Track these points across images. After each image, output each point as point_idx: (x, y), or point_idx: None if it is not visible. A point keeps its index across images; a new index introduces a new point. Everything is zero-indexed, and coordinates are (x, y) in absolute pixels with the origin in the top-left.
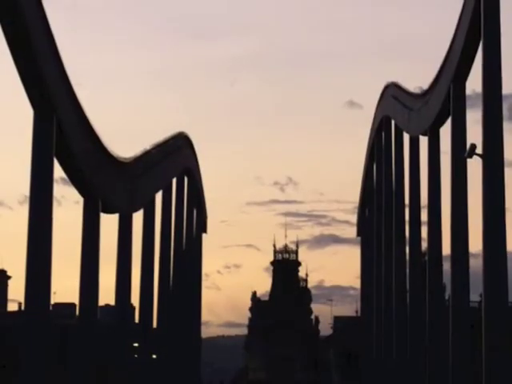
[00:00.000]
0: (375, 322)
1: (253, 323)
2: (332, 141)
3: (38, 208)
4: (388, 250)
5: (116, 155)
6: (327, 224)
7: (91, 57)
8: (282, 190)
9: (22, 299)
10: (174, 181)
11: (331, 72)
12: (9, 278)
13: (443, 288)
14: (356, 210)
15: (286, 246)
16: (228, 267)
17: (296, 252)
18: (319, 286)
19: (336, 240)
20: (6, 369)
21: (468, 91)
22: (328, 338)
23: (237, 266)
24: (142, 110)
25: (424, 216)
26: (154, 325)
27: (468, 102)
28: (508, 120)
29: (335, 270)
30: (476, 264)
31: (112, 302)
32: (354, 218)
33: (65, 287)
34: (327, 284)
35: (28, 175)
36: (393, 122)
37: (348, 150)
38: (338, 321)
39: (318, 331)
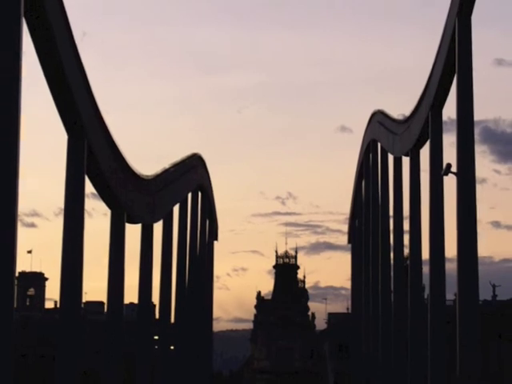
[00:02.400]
0: (364, 318)
1: (258, 319)
2: (326, 160)
3: (72, 219)
4: (375, 255)
5: (139, 173)
6: (322, 233)
7: (117, 87)
8: (283, 203)
9: (57, 298)
10: (190, 195)
11: (326, 101)
12: (46, 279)
13: (422, 288)
14: (347, 221)
15: (286, 252)
16: (236, 270)
17: (295, 257)
18: (315, 287)
19: (330, 247)
20: (45, 359)
21: (444, 118)
22: (323, 331)
23: (243, 269)
24: (161, 133)
25: (406, 225)
26: (172, 320)
27: (444, 127)
28: (479, 143)
29: (329, 272)
30: (451, 267)
31: (135, 301)
32: (345, 228)
33: (95, 287)
34: (322, 285)
35: (63, 190)
36: (379, 145)
37: (340, 168)
38: (332, 317)
39: (314, 326)
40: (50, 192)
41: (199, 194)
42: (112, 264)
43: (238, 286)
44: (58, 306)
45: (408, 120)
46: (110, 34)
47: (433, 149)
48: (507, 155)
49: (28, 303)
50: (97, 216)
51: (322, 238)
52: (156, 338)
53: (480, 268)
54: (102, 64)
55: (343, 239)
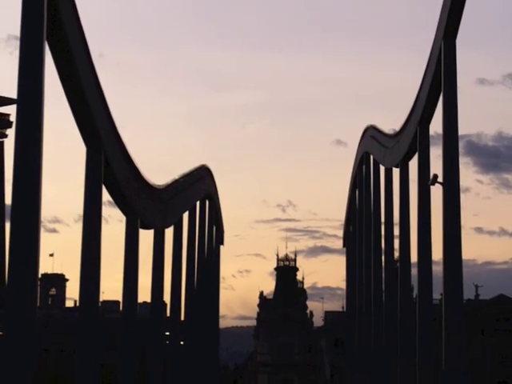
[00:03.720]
0: (358, 315)
1: (260, 316)
2: (323, 171)
3: (90, 225)
4: (368, 258)
5: (151, 183)
6: (319, 237)
7: (132, 104)
8: (284, 210)
9: (77, 297)
10: (198, 203)
11: (323, 117)
12: (66, 280)
13: (411, 288)
14: (342, 226)
15: (286, 255)
16: (240, 272)
17: (294, 260)
18: (313, 287)
19: (326, 250)
20: (65, 353)
21: (431, 132)
22: (320, 328)
23: (247, 271)
24: (172, 146)
25: (396, 231)
26: (182, 318)
27: (431, 141)
28: (463, 155)
29: (326, 274)
30: (438, 269)
31: (149, 300)
32: (340, 233)
33: (111, 287)
34: (319, 285)
35: (82, 199)
36: (371, 157)
37: (336, 178)
38: (328, 314)
39: (312, 323)
40: (70, 200)
41: (207, 202)
42: (127, 266)
43: (243, 286)
44: (78, 304)
45: (398, 134)
46: (125, 55)
47: (421, 161)
48: (489, 167)
49: (50, 302)
50: (113, 222)
51: (319, 243)
52: (167, 334)
53: (464, 270)
54: (117, 83)
55: (339, 243)
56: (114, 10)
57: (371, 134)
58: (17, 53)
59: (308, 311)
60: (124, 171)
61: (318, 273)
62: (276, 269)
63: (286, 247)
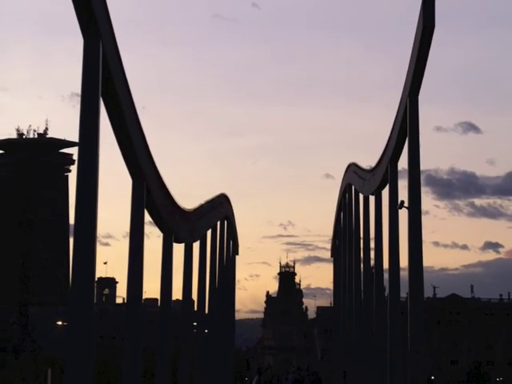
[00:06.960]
0: (341, 310)
1: (267, 311)
2: (316, 198)
3: (135, 240)
4: (350, 265)
5: (182, 207)
6: (313, 249)
7: (168, 145)
8: (285, 228)
9: (124, 296)
10: (218, 223)
11: (316, 156)
12: (117, 282)
13: (383, 289)
14: (330, 241)
15: (287, 263)
16: (251, 276)
17: (293, 267)
18: (308, 288)
19: (318, 259)
20: (116, 339)
21: (399, 168)
22: (313, 319)
23: (257, 275)
24: (198, 179)
25: (372, 244)
26: (206, 311)
27: (399, 175)
28: (424, 185)
29: (317, 277)
30: (404, 274)
31: (180, 297)
32: (329, 246)
33: (151, 288)
34: (313, 286)
35: (128, 219)
36: (353, 187)
37: (325, 204)
38: (319, 309)
39: (306, 315)
40: (119, 220)
41: (225, 222)
42: (163, 272)
43: (253, 287)
44: (125, 301)
45: (373, 170)
46: (162, 107)
47: (391, 190)
48: (443, 194)
49: (104, 300)
50: (153, 238)
51: (313, 253)
52: (195, 324)
53: (424, 274)
54: (156, 129)
55: (327, 254)
56: (153, 72)
57: (353, 170)
58: (78, 106)
59: (304, 306)
60: (161, 198)
61: (311, 277)
62: (279, 273)
63: (287, 257)
